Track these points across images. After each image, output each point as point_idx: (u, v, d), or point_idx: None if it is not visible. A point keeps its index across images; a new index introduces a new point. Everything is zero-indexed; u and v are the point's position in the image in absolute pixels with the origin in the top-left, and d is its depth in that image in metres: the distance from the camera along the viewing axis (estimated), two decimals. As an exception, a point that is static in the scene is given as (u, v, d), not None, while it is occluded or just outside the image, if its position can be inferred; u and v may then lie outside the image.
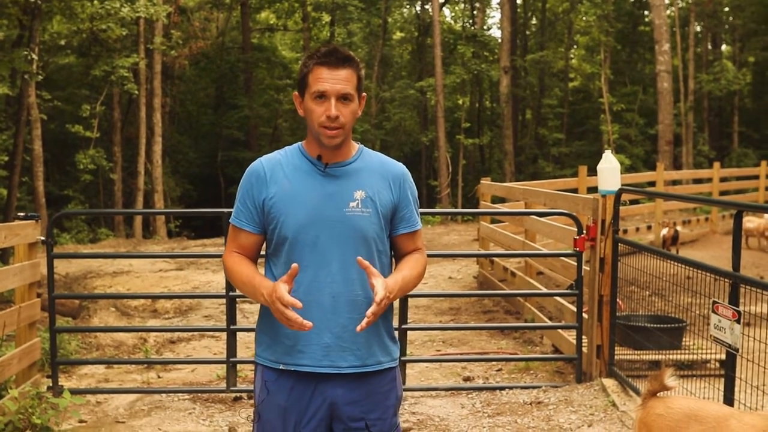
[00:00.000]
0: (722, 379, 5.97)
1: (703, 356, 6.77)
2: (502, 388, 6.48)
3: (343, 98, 2.72)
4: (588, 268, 6.75)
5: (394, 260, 2.97)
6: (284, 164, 2.80)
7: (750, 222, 15.03)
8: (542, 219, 8.45)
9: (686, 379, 5.37)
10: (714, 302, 4.60)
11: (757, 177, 21.42)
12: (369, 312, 2.60)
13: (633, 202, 16.77)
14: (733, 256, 4.72)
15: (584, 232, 6.58)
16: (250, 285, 2.73)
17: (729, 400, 4.68)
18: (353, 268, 2.72)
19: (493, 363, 7.34)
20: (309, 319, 2.58)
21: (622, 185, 6.62)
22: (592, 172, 13.11)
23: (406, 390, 6.35)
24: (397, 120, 31.53)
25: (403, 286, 2.78)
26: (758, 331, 5.73)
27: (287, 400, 2.76)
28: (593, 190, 11.34)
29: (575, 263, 6.77)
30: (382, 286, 2.62)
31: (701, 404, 3.82)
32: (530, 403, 6.12)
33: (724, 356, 6.52)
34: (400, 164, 2.93)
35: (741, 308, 4.46)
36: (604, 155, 6.89)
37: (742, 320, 4.38)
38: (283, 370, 2.76)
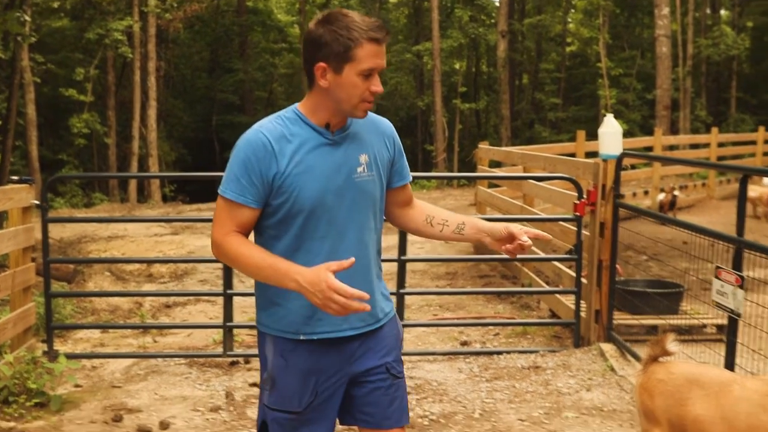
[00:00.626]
0: (720, 344, 5.96)
1: (701, 321, 6.75)
2: (499, 353, 6.46)
3: (380, 73, 2.69)
4: (587, 233, 6.70)
5: (394, 213, 2.98)
6: (287, 134, 2.65)
7: (752, 191, 14.98)
8: (541, 183, 8.39)
9: (684, 344, 5.34)
10: (717, 267, 4.55)
11: (754, 143, 21.35)
12: (541, 234, 2.85)
13: (630, 167, 16.71)
14: (737, 222, 4.67)
15: (584, 196, 6.52)
16: (272, 269, 2.57)
17: (730, 365, 4.65)
18: (366, 233, 2.73)
19: (491, 328, 7.31)
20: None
21: (623, 153, 6.55)
22: (591, 136, 13.06)
23: (403, 355, 6.32)
24: (394, 84, 31.34)
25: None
26: (757, 296, 5.71)
27: (307, 364, 2.71)
28: (591, 155, 11.28)
29: (574, 228, 6.72)
30: (507, 224, 2.82)
31: (703, 369, 3.79)
32: (528, 368, 6.10)
33: (721, 321, 6.52)
34: (387, 120, 2.92)
35: (744, 273, 4.42)
36: (605, 119, 6.82)
37: (745, 285, 4.34)
38: (303, 340, 2.71)
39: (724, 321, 6.42)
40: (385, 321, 2.84)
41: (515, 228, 2.81)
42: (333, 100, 2.64)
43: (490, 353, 6.46)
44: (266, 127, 2.66)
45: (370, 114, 2.81)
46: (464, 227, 2.93)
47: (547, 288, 7.60)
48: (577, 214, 6.57)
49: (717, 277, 4.56)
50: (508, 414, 5.15)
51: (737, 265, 4.65)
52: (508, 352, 6.47)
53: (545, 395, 5.50)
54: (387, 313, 2.85)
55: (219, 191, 2.66)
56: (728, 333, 4.74)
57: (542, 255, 8.31)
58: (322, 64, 2.60)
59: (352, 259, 2.51)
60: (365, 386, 2.79)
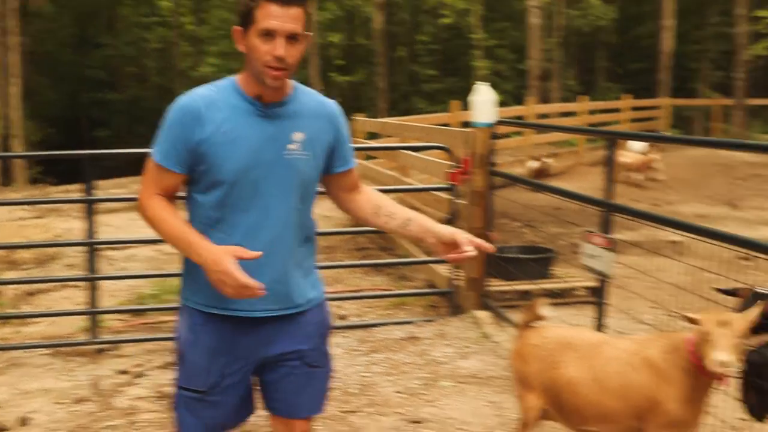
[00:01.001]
0: (590, 306, 6.08)
1: (572, 284, 6.89)
2: (376, 325, 6.40)
3: (292, 38, 2.54)
4: (462, 202, 6.70)
5: (340, 198, 2.93)
6: (220, 102, 2.59)
7: (627, 158, 15.47)
8: (416, 154, 8.35)
9: (557, 308, 5.41)
10: (587, 231, 4.60)
11: (620, 110, 22.13)
12: (487, 246, 2.77)
13: (503, 136, 16.97)
14: (606, 186, 4.73)
15: (459, 165, 6.51)
16: (184, 241, 2.55)
17: (600, 326, 4.73)
18: (293, 212, 2.67)
19: (368, 300, 7.24)
20: (245, 263, 2.48)
21: (496, 121, 6.56)
22: (465, 107, 13.16)
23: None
24: (269, 58, 30.76)
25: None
26: (626, 258, 5.85)
27: (216, 341, 2.67)
28: (466, 125, 11.34)
29: (449, 197, 6.71)
30: (452, 229, 2.76)
31: (575, 332, 3.81)
32: (405, 339, 6.06)
33: (591, 284, 6.67)
34: (333, 102, 2.83)
35: (612, 236, 4.48)
36: (478, 87, 6.80)
37: (613, 248, 4.39)
38: (214, 314, 2.66)
39: (594, 283, 6.58)
40: (307, 307, 2.77)
41: (461, 236, 2.74)
42: (249, 66, 2.60)
43: (367, 326, 6.39)
44: (199, 92, 2.62)
45: (318, 95, 2.79)
46: (410, 223, 2.87)
47: (423, 258, 7.58)
48: (452, 183, 6.56)
49: (587, 241, 4.60)
50: (386, 387, 5.09)
51: (606, 228, 4.71)
52: (385, 324, 6.42)
53: (422, 365, 5.47)
54: (311, 299, 2.78)
55: (151, 153, 2.63)
56: (598, 295, 4.81)
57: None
58: (237, 27, 2.59)
59: (260, 252, 2.50)
60: (276, 372, 2.76)
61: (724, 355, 3.12)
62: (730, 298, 4.17)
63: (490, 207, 6.45)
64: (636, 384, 3.47)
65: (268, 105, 2.62)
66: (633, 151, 15.98)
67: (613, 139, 4.86)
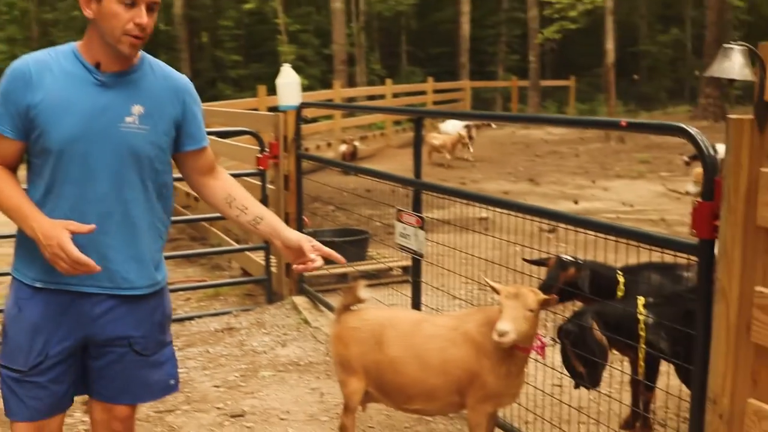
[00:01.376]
0: (406, 285, 6.14)
1: (388, 265, 6.94)
2: (191, 318, 6.16)
3: (151, 8, 2.48)
4: (272, 187, 6.58)
5: (193, 180, 2.82)
6: (54, 68, 2.49)
7: (436, 139, 15.84)
8: (224, 140, 8.11)
9: (373, 289, 5.41)
10: (398, 210, 4.60)
11: (424, 93, 22.71)
12: (335, 256, 2.81)
13: (311, 120, 16.94)
14: (414, 164, 4.76)
15: (266, 149, 6.37)
16: (18, 212, 2.46)
17: (417, 304, 4.76)
18: (128, 189, 2.55)
19: (181, 293, 6.96)
20: (76, 237, 2.39)
21: (302, 103, 6.47)
22: (271, 92, 12.97)
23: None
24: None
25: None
26: (436, 236, 5.94)
27: (40, 317, 2.55)
28: (274, 110, 11.17)
29: (259, 183, 6.56)
30: (299, 236, 2.75)
31: (394, 312, 3.80)
32: (222, 330, 5.88)
33: (406, 263, 6.75)
34: (184, 77, 2.74)
35: (423, 215, 4.51)
36: (282, 70, 6.67)
37: (425, 226, 4.42)
38: (40, 288, 2.54)
39: (409, 262, 6.66)
40: (143, 292, 2.63)
41: (307, 244, 2.72)
42: (99, 33, 2.48)
43: (180, 320, 6.14)
44: (34, 56, 2.53)
45: (167, 68, 2.70)
46: (261, 222, 2.80)
47: (237, 246, 7.38)
48: (260, 168, 6.42)
49: (399, 220, 4.61)
50: (203, 382, 4.89)
51: (417, 206, 4.74)
52: (200, 317, 6.20)
53: (240, 357, 5.31)
54: (149, 284, 2.65)
55: None
56: (413, 273, 4.84)
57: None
58: None
59: (93, 225, 2.43)
60: (103, 358, 2.64)
61: (504, 325, 3.21)
62: (539, 268, 4.33)
63: (300, 191, 6.36)
64: (456, 359, 3.50)
65: (105, 74, 2.51)
66: (445, 133, 16.46)
67: (420, 119, 4.89)
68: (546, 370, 4.05)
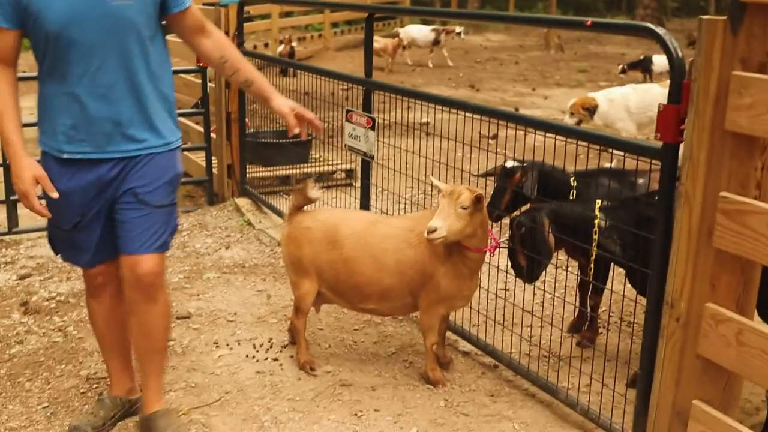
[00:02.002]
0: (349, 188, 6.08)
1: (332, 168, 6.84)
2: (130, 220, 6.00)
3: None
4: (213, 85, 6.36)
5: (188, 41, 3.03)
6: None
7: (377, 42, 15.50)
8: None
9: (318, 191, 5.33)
10: (348, 111, 4.48)
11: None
12: (316, 122, 3.09)
13: (249, 19, 16.43)
14: (365, 63, 4.61)
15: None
16: (3, 130, 2.77)
17: (366, 206, 4.70)
18: (131, 60, 2.78)
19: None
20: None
21: (240, -3, 6.20)
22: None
23: (18, 233, 5.62)
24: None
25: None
26: (383, 139, 5.84)
27: (69, 185, 2.83)
28: (211, 4, 10.75)
29: (199, 81, 6.34)
30: (284, 103, 3.04)
31: (347, 213, 3.75)
32: (163, 232, 5.74)
33: (350, 166, 6.66)
34: None
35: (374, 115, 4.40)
36: (223, -38, 6.36)
37: (376, 127, 4.32)
38: (66, 159, 2.82)
39: (353, 166, 6.57)
40: (156, 151, 2.91)
41: (286, 110, 3.03)
42: None
43: (119, 221, 5.97)
44: None
45: None
46: (251, 85, 3.10)
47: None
48: (200, 65, 6.18)
49: (348, 121, 4.49)
50: (146, 283, 4.78)
51: (367, 107, 4.62)
52: (139, 218, 6.03)
53: (184, 258, 5.20)
54: (161, 144, 2.92)
55: None
56: (362, 175, 4.76)
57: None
58: None
59: (57, 195, 2.79)
60: (120, 212, 2.91)
61: (434, 222, 3.22)
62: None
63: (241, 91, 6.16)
64: (411, 260, 3.47)
65: None
66: (407, 37, 16.21)
67: (371, 15, 4.71)
68: (495, 273, 4.06)
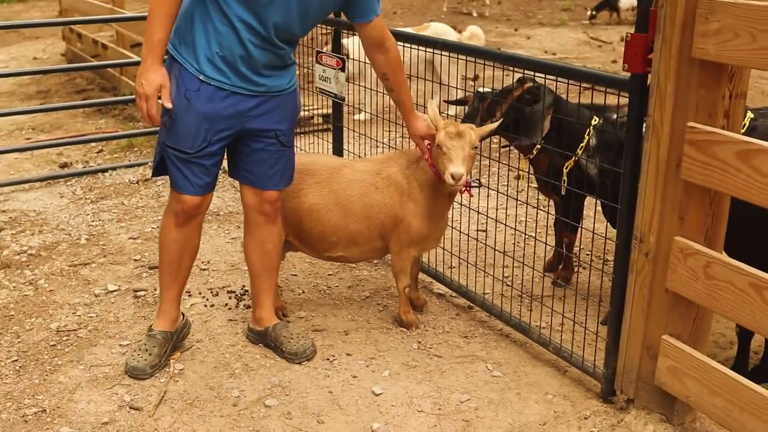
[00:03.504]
0: (327, 133, 5.98)
1: (309, 113, 6.73)
2: (104, 170, 5.91)
3: None
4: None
5: (365, 47, 3.30)
6: None
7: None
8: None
9: (296, 137, 5.25)
10: (318, 52, 4.37)
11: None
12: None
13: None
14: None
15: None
16: (150, 41, 2.83)
17: (338, 150, 4.62)
18: (288, 36, 2.99)
19: (93, 145, 6.66)
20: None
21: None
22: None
23: (-9, 186, 5.54)
24: None
25: None
26: (356, 82, 5.73)
27: (207, 109, 2.94)
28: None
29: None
30: (420, 128, 3.40)
31: (313, 158, 3.65)
32: (137, 182, 5.66)
33: (328, 111, 6.54)
34: None
35: (344, 56, 4.29)
36: None
37: (346, 68, 4.22)
38: (203, 81, 2.92)
39: (329, 110, 6.45)
40: (285, 93, 3.11)
41: (417, 139, 3.40)
42: None
43: (93, 172, 5.89)
44: None
45: None
46: (399, 105, 3.39)
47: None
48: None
49: (318, 62, 4.39)
50: (119, 234, 4.72)
51: (337, 47, 4.52)
52: (114, 169, 5.95)
53: (157, 208, 5.13)
54: (285, 88, 3.10)
55: None
56: (333, 118, 4.67)
57: (139, 59, 7.60)
58: None
59: (171, 105, 2.91)
60: (253, 145, 3.11)
61: (459, 167, 3.11)
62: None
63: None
64: (379, 203, 3.41)
65: None
66: None
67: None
68: (472, 215, 4.01)
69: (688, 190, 2.54)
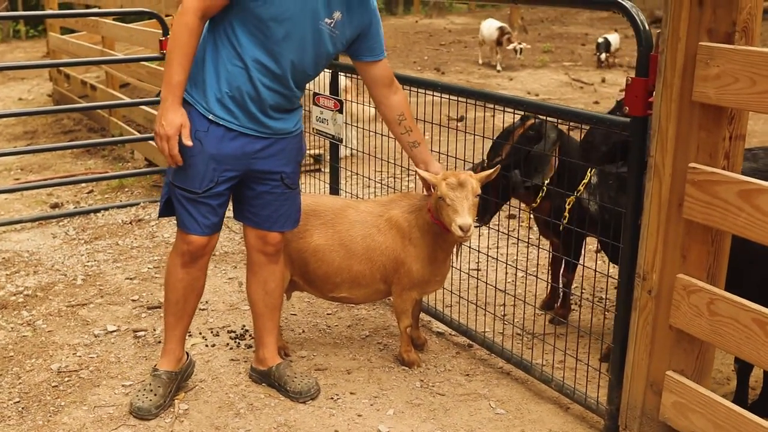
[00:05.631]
0: (317, 173, 6.04)
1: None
2: (96, 211, 5.92)
3: None
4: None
5: (372, 89, 3.35)
6: None
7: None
8: (126, 25, 7.67)
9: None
10: (315, 94, 4.44)
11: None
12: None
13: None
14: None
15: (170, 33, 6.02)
16: (169, 79, 2.84)
17: (335, 190, 4.67)
18: (300, 74, 3.06)
19: (83, 185, 6.68)
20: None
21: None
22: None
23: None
24: None
25: None
26: (354, 122, 5.81)
27: (216, 150, 2.98)
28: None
29: (162, 68, 6.24)
30: (438, 171, 3.38)
31: (317, 199, 3.70)
32: (130, 222, 5.67)
33: (317, 151, 6.61)
34: None
35: (342, 97, 4.37)
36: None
37: (344, 109, 4.29)
38: (212, 121, 2.97)
39: (320, 151, 6.52)
40: (291, 135, 3.16)
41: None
42: None
43: (86, 212, 5.90)
44: None
45: None
46: (416, 148, 3.39)
47: (140, 135, 7.07)
48: (164, 51, 6.08)
49: (316, 104, 4.46)
50: (115, 274, 4.72)
51: (334, 89, 4.59)
52: (106, 209, 5.96)
53: (152, 248, 5.15)
54: (291, 131, 3.16)
55: None
56: (331, 158, 4.73)
57: (128, 100, 7.66)
58: None
59: (191, 143, 2.91)
60: (258, 188, 3.16)
61: (466, 219, 3.13)
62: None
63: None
64: (381, 246, 3.45)
65: None
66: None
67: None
68: (467, 252, 4.07)
69: (690, 229, 2.60)
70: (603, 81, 12.57)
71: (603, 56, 13.70)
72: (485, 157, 3.77)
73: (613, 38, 14.00)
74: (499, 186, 3.61)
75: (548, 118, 3.37)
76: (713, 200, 2.46)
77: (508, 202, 3.92)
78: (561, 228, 3.56)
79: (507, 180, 3.58)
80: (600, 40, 13.94)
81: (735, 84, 2.34)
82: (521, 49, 13.91)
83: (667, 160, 2.61)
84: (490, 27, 14.30)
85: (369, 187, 5.79)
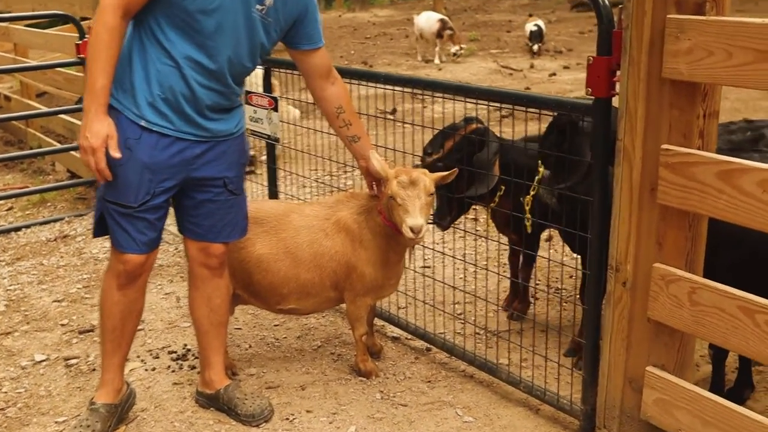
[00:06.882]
0: (251, 176, 5.76)
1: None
2: (17, 229, 5.54)
3: None
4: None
5: (310, 80, 3.14)
6: None
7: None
8: (37, 30, 7.25)
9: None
10: (248, 92, 4.17)
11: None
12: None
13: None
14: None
15: (87, 36, 5.68)
16: (92, 88, 2.57)
17: (274, 193, 4.42)
18: (237, 65, 2.79)
19: (2, 202, 6.26)
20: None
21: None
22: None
23: None
24: None
25: None
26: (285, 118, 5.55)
27: (149, 158, 2.72)
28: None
29: (82, 75, 5.89)
30: (376, 169, 3.13)
31: (258, 205, 3.43)
32: (55, 239, 5.31)
33: (251, 152, 6.33)
34: None
35: (276, 94, 4.12)
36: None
37: (279, 106, 4.04)
38: (145, 128, 2.71)
39: (253, 152, 6.25)
40: (232, 137, 2.91)
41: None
42: None
43: (6, 231, 5.51)
44: None
45: None
46: (357, 142, 3.18)
47: (61, 146, 6.66)
48: (82, 56, 5.74)
49: (249, 103, 4.19)
50: (41, 297, 4.38)
51: (267, 87, 4.34)
52: (27, 226, 5.58)
53: (81, 266, 4.81)
54: (232, 132, 2.91)
55: None
56: (268, 159, 4.47)
57: (46, 109, 7.23)
58: None
59: (120, 155, 2.60)
60: (199, 196, 2.91)
61: (418, 220, 2.92)
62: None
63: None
64: (330, 251, 3.21)
65: None
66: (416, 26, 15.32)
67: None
68: (415, 249, 3.85)
69: (666, 215, 2.44)
70: (532, 67, 12.53)
71: (536, 47, 13.57)
72: (423, 150, 3.55)
73: (543, 25, 13.94)
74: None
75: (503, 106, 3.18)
76: (689, 183, 2.30)
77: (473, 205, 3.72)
78: (526, 227, 3.35)
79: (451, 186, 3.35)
80: (533, 28, 13.74)
81: (709, 58, 2.18)
82: (460, 51, 13.57)
83: (637, 142, 2.44)
84: (429, 19, 13.92)
85: (305, 186, 5.55)
